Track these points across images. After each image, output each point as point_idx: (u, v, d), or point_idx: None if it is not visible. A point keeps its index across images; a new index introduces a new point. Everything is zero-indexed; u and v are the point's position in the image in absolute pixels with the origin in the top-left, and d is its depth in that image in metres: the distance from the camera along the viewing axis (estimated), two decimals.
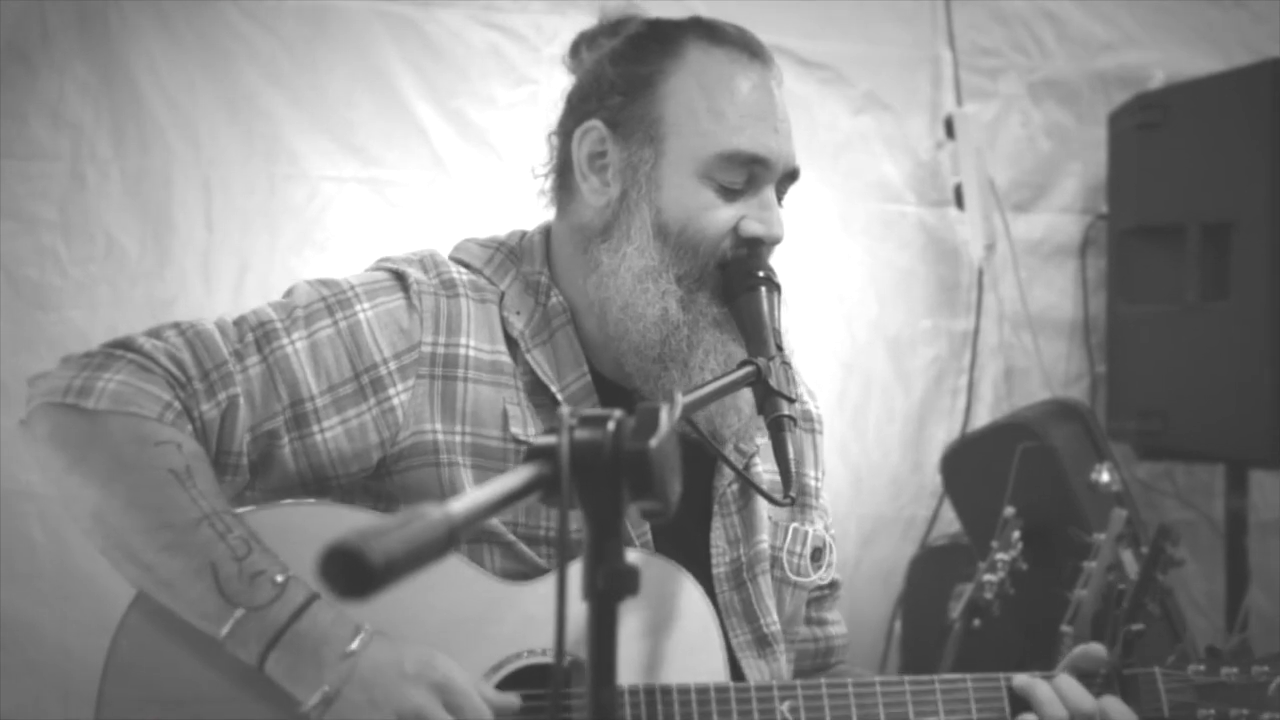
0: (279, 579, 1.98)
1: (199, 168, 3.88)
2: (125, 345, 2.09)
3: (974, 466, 4.12)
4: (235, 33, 3.89)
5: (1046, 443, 3.88)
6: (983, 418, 4.53)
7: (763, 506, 2.30)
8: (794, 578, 2.35)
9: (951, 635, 3.48)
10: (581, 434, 1.36)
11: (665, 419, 1.38)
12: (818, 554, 2.39)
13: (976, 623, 3.47)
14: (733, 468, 2.24)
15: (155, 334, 2.12)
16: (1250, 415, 4.20)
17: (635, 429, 1.37)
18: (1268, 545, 4.69)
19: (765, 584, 2.30)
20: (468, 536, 1.26)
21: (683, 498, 2.30)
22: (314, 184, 3.99)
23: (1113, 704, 2.21)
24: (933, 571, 4.26)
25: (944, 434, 4.53)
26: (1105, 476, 3.70)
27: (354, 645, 1.96)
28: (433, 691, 1.95)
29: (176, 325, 2.14)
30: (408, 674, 1.95)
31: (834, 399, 4.44)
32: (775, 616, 2.30)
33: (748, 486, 2.28)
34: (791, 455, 2.10)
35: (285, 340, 2.13)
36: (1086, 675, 2.24)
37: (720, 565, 2.26)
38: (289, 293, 2.20)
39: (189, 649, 2.01)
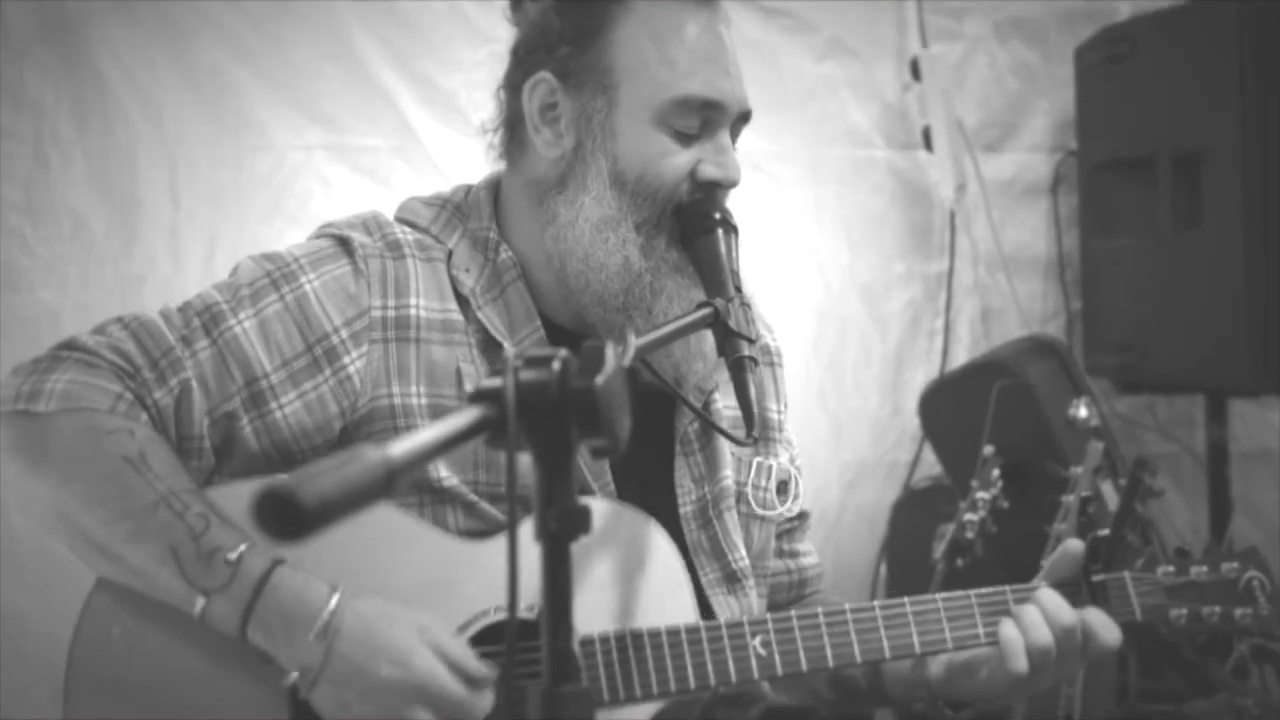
0: (232, 556, 1.96)
1: (164, 144, 3.86)
2: (70, 345, 2.09)
3: (952, 407, 4.12)
4: (196, 8, 3.86)
5: (1023, 380, 3.88)
6: (960, 359, 4.52)
7: (725, 443, 2.30)
8: (760, 511, 2.35)
9: (936, 576, 3.48)
10: (527, 375, 1.35)
11: (611, 356, 1.37)
12: (783, 487, 2.39)
13: (960, 562, 3.48)
14: (693, 410, 2.23)
15: (99, 330, 2.12)
16: (1227, 344, 4.19)
17: (581, 367, 1.36)
18: (1250, 475, 4.69)
19: (731, 520, 2.30)
20: (408, 480, 1.25)
21: (645, 439, 2.31)
22: (281, 154, 3.97)
23: (1094, 615, 2.20)
24: (915, 514, 4.27)
25: (922, 377, 4.52)
26: (1083, 412, 3.70)
27: (324, 615, 1.94)
28: (414, 699, 1.94)
29: (119, 319, 2.13)
30: (385, 680, 1.93)
31: (810, 347, 4.44)
32: (743, 552, 2.30)
33: (708, 427, 2.28)
34: (753, 395, 2.10)
35: (233, 321, 2.12)
36: (1066, 585, 2.24)
37: (686, 504, 2.25)
38: (234, 272, 2.20)
39: (156, 629, 2.00)
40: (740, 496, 2.32)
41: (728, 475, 2.29)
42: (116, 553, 1.99)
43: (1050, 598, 2.19)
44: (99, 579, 2.05)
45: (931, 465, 4.41)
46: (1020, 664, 2.15)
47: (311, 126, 3.98)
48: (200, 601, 1.96)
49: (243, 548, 1.98)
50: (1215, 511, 4.49)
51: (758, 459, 2.36)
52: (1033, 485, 3.61)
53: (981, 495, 3.55)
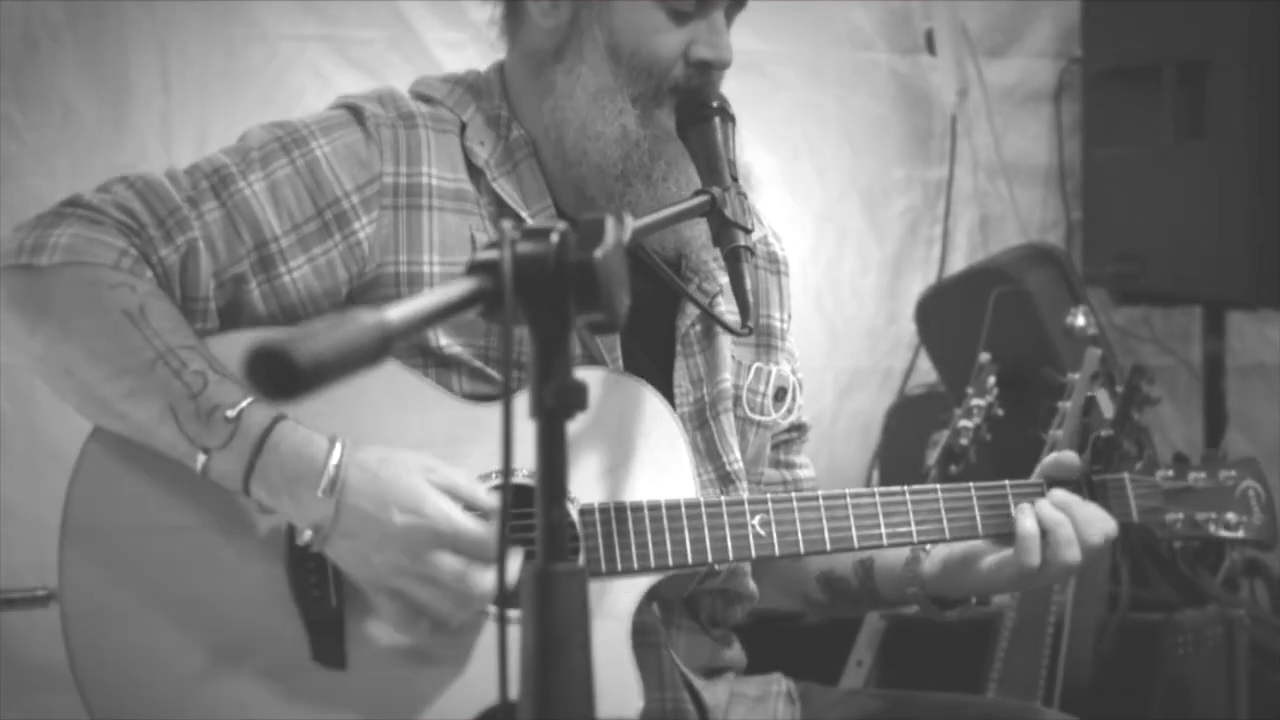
0: (231, 414, 1.94)
1: (155, 31, 3.81)
2: (74, 202, 2.06)
3: (949, 313, 4.09)
4: None
5: (1022, 287, 3.85)
6: (958, 267, 4.49)
7: (726, 346, 2.28)
8: (755, 416, 2.32)
9: (928, 482, 3.47)
10: (524, 247, 1.32)
11: (610, 229, 1.33)
12: (780, 394, 2.36)
13: (953, 469, 3.46)
14: (690, 297, 2.20)
15: (104, 188, 2.09)
16: (1228, 256, 4.17)
17: (580, 240, 1.33)
18: (1245, 389, 4.68)
19: (728, 423, 2.28)
20: (402, 344, 1.22)
21: (645, 339, 2.30)
22: (274, 45, 3.92)
23: (1092, 510, 2.19)
24: (909, 421, 4.25)
25: (919, 285, 4.49)
26: (1081, 320, 3.67)
27: (330, 469, 1.91)
28: (430, 543, 1.91)
29: (124, 179, 2.09)
30: (399, 527, 1.90)
31: (808, 252, 4.40)
32: (738, 455, 2.27)
33: (710, 327, 2.25)
34: (749, 286, 2.07)
35: (242, 183, 2.09)
36: (1064, 484, 2.23)
37: (684, 405, 2.23)
38: (242, 138, 2.16)
39: (153, 474, 1.99)
40: (737, 400, 2.30)
41: (726, 378, 2.27)
42: (118, 409, 1.97)
43: (1052, 494, 2.19)
44: (91, 433, 2.03)
45: (927, 373, 4.39)
46: (1035, 559, 2.14)
47: (306, 17, 3.93)
48: (201, 458, 1.94)
49: (243, 404, 1.95)
50: (1210, 425, 4.49)
51: (757, 364, 2.33)
52: (1029, 393, 3.59)
53: (977, 402, 3.53)
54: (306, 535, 1.94)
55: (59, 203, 2.06)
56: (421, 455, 1.97)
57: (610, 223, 1.35)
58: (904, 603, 2.32)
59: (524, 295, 1.31)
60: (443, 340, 2.09)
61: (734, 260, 2.06)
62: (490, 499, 1.96)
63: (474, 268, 1.32)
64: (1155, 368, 4.49)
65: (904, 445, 4.17)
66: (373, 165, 2.11)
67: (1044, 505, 2.17)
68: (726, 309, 2.25)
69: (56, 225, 2.02)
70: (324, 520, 1.92)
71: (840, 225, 4.49)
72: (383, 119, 2.14)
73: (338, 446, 1.94)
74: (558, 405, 1.33)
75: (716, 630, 2.29)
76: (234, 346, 2.03)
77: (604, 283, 1.32)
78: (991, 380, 3.54)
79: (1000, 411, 3.52)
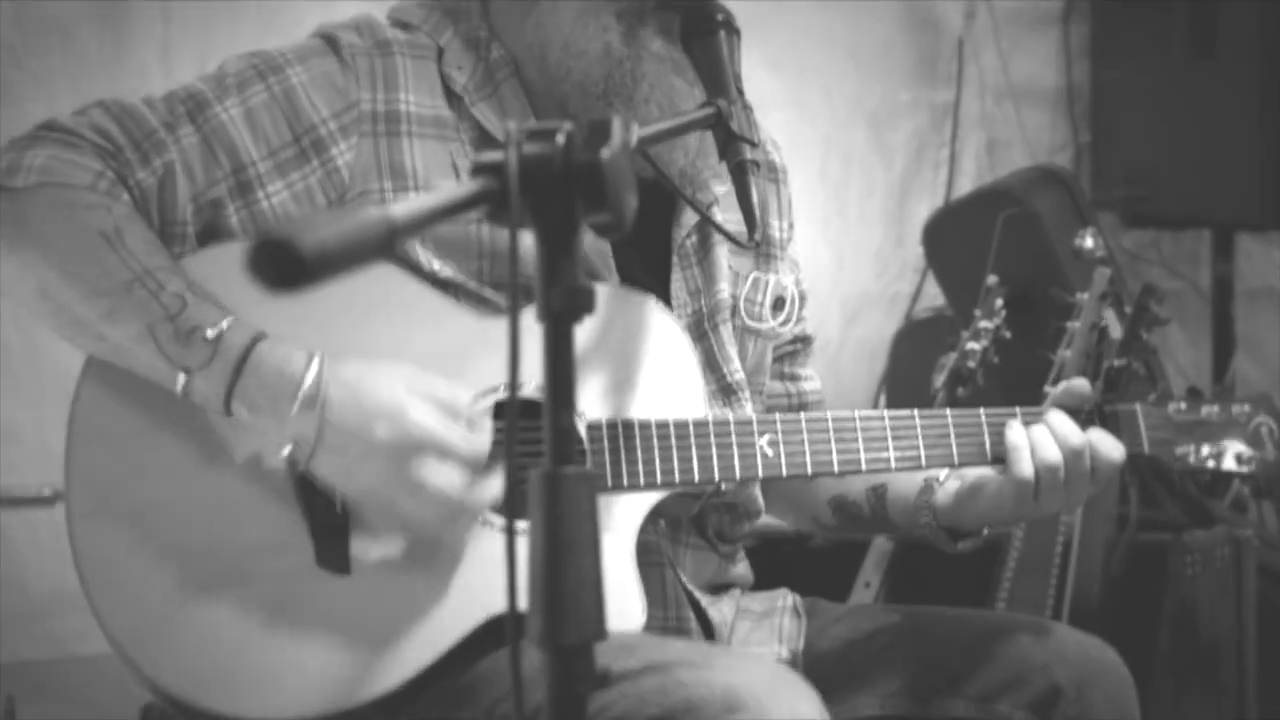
0: (211, 334, 1.92)
1: None
2: (49, 125, 2.05)
3: (956, 236, 4.07)
4: None
5: (1030, 209, 3.82)
6: (965, 191, 4.48)
7: (722, 257, 2.26)
8: (753, 325, 2.30)
9: (935, 406, 3.46)
10: (530, 148, 1.30)
11: (618, 130, 1.31)
12: (779, 303, 2.34)
13: (961, 392, 3.45)
14: (695, 207, 2.18)
15: (81, 112, 2.07)
16: (1238, 177, 4.14)
17: (587, 141, 1.31)
18: (1254, 313, 4.67)
19: (726, 333, 2.26)
20: (405, 240, 1.20)
21: (642, 251, 2.28)
22: None
23: (1100, 437, 2.16)
24: (916, 345, 4.24)
25: (926, 209, 4.47)
26: (1089, 242, 3.64)
27: (309, 386, 1.90)
28: (414, 452, 1.89)
29: (100, 103, 2.08)
30: (382, 441, 1.89)
31: (815, 176, 4.38)
32: (738, 365, 2.25)
33: (707, 239, 2.23)
34: (755, 199, 2.04)
35: (219, 108, 2.07)
36: (1071, 412, 2.20)
37: (682, 317, 2.21)
38: (219, 67, 2.14)
39: (150, 400, 1.98)
40: (735, 310, 2.28)
41: (723, 289, 2.25)
42: (96, 330, 1.96)
43: (1059, 418, 2.16)
44: (86, 362, 2.01)
45: (934, 297, 4.37)
46: (1026, 469, 2.11)
47: None
48: (181, 379, 1.93)
49: (223, 324, 1.93)
50: (1218, 349, 4.48)
51: (755, 274, 2.31)
52: (1036, 315, 3.57)
53: (984, 325, 3.51)
54: (286, 451, 1.93)
55: (35, 126, 2.04)
56: (401, 365, 1.96)
57: (617, 123, 1.33)
58: (915, 531, 2.30)
59: (530, 197, 1.29)
60: (435, 264, 2.07)
61: (740, 174, 2.04)
62: (471, 405, 1.95)
63: (479, 169, 1.30)
64: (1163, 291, 4.48)
65: (911, 369, 4.16)
66: (349, 93, 2.09)
67: (1036, 429, 2.14)
68: (724, 218, 2.23)
69: (32, 147, 2.01)
70: (306, 436, 1.91)
71: (846, 149, 4.47)
72: (358, 48, 2.12)
73: (315, 362, 1.93)
74: (565, 308, 1.31)
75: (724, 547, 2.28)
76: (212, 263, 2.01)
77: (611, 183, 1.30)
78: (999, 303, 3.52)
79: (1008, 334, 3.50)
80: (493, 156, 1.30)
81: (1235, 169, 4.15)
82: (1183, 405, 2.31)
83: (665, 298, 2.20)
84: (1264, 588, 3.49)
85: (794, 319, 2.36)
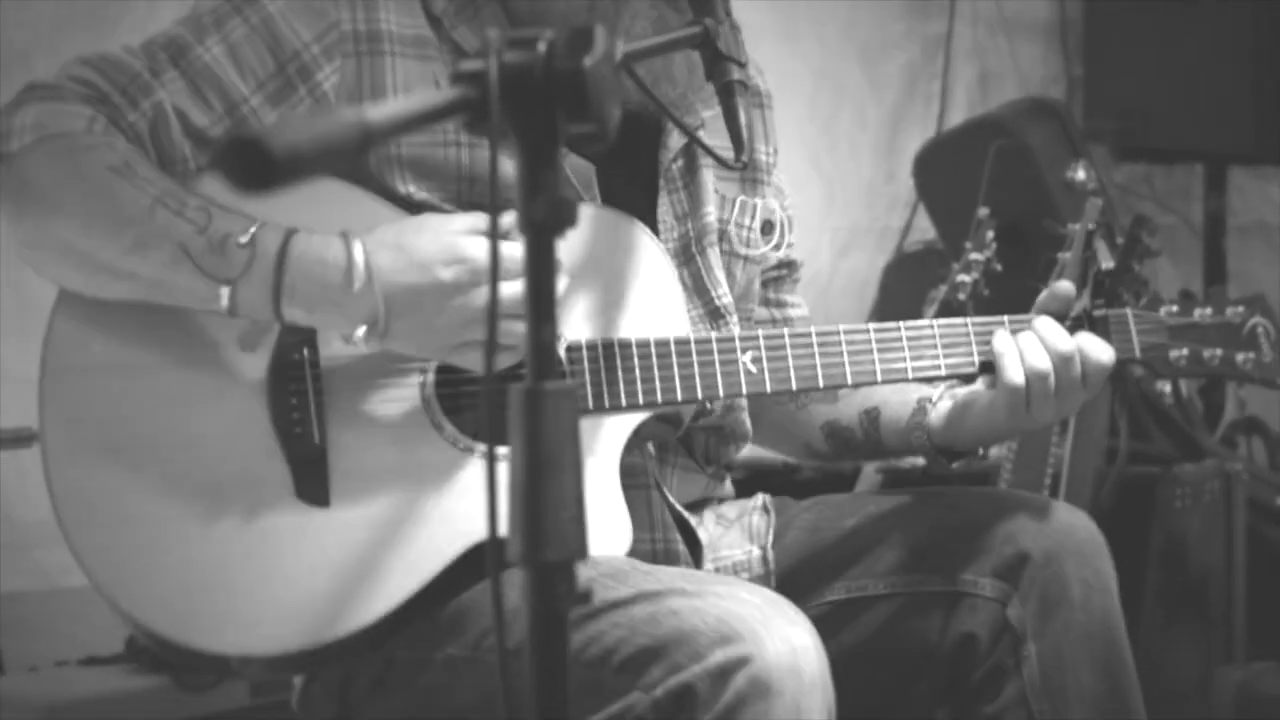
0: (244, 239, 1.88)
1: None
2: (31, 86, 2.00)
3: (947, 167, 4.05)
4: None
5: (1021, 140, 3.80)
6: (957, 124, 4.44)
7: (709, 181, 2.22)
8: (743, 250, 2.27)
9: None
10: (510, 56, 1.26)
11: (601, 38, 1.28)
12: (768, 227, 2.30)
13: None
14: (682, 127, 2.14)
15: (60, 69, 2.03)
16: (1230, 111, 4.12)
17: (569, 49, 1.27)
18: (1246, 248, 4.66)
19: (714, 257, 2.22)
20: (380, 144, 1.17)
21: (627, 174, 2.22)
22: None
23: (1089, 340, 2.12)
24: (907, 277, 4.22)
25: (917, 142, 4.44)
26: (1081, 174, 3.62)
27: (355, 267, 1.86)
28: (483, 280, 1.87)
29: (79, 58, 2.03)
30: (448, 283, 1.86)
31: (805, 108, 4.34)
32: (726, 289, 2.22)
33: (693, 161, 2.20)
34: (743, 120, 2.01)
35: (200, 50, 2.02)
36: (1059, 318, 2.16)
37: (669, 241, 2.18)
38: (192, 7, 2.10)
39: (130, 315, 1.94)
40: (723, 234, 2.25)
41: (710, 212, 2.22)
42: (129, 268, 1.91)
43: (1046, 324, 2.12)
44: (58, 298, 1.96)
45: (924, 231, 4.35)
46: (1016, 376, 2.07)
47: None
48: (225, 292, 1.88)
49: (253, 229, 1.89)
50: (1209, 284, 4.46)
51: (741, 198, 2.28)
52: (1027, 246, 3.55)
53: (975, 257, 3.49)
54: (360, 333, 1.89)
55: (17, 92, 2.00)
56: (425, 216, 1.94)
57: (600, 32, 1.29)
58: (909, 453, 2.27)
59: (510, 105, 1.26)
60: (410, 187, 2.04)
61: (727, 95, 2.00)
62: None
63: (458, 77, 1.27)
64: (1156, 223, 4.46)
65: (901, 302, 4.13)
66: (328, 14, 2.05)
67: (1024, 336, 2.09)
68: (711, 144, 2.20)
69: (18, 110, 1.96)
70: (374, 311, 1.88)
71: (837, 81, 4.43)
72: None
73: (355, 241, 1.89)
74: (546, 220, 1.28)
75: (710, 469, 2.26)
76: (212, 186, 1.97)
77: (594, 92, 1.27)
78: (990, 235, 3.50)
79: (999, 266, 3.48)
80: (473, 64, 1.27)
81: (1228, 102, 4.12)
82: (1174, 308, 2.25)
83: (652, 221, 2.18)
84: (1253, 521, 3.48)
85: (784, 244, 2.33)
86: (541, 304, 1.29)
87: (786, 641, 1.78)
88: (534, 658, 1.29)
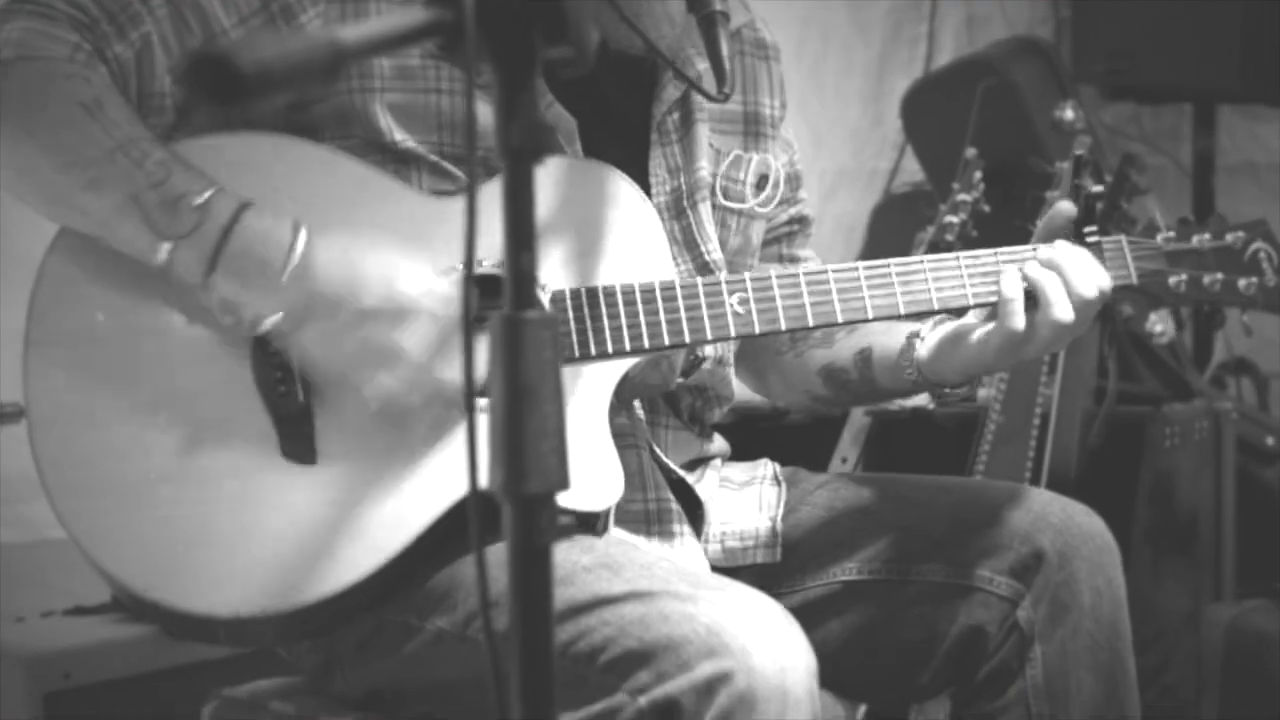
0: (198, 201, 1.86)
1: None
2: None
3: (935, 108, 4.02)
4: None
5: (1009, 79, 3.78)
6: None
7: (703, 135, 2.19)
8: (732, 205, 2.24)
9: None
10: None
11: None
12: (761, 182, 2.27)
13: None
14: (672, 66, 2.12)
15: None
16: (1219, 49, 4.09)
17: None
18: (1235, 189, 4.64)
19: (705, 212, 2.19)
20: (353, 64, 1.14)
21: (620, 127, 2.17)
22: None
23: (1082, 260, 2.08)
24: (895, 220, 4.20)
25: (904, 85, 4.41)
26: (1069, 113, 3.59)
27: (296, 253, 1.85)
28: (398, 321, 1.86)
29: None
30: (368, 309, 1.86)
31: (791, 54, 4.26)
32: (716, 244, 2.19)
33: (688, 115, 2.17)
34: (725, 51, 1.98)
35: None
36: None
37: (661, 195, 2.15)
38: None
39: (112, 280, 1.92)
40: (714, 189, 2.22)
41: (703, 166, 2.19)
42: (78, 203, 1.89)
43: (1049, 251, 2.08)
44: (51, 244, 1.95)
45: (912, 173, 4.33)
46: (1018, 320, 2.05)
47: None
48: (165, 248, 1.86)
49: (209, 193, 1.88)
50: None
51: (736, 152, 2.25)
52: (1015, 187, 3.52)
53: (963, 198, 3.47)
54: (271, 321, 1.88)
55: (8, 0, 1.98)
56: (386, 237, 1.91)
57: None
58: (903, 391, 2.24)
59: (486, 28, 1.23)
60: (397, 135, 2.02)
61: (709, 25, 1.98)
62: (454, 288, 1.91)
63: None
64: (1144, 160, 4.43)
65: (889, 244, 4.11)
66: None
67: (1031, 264, 2.06)
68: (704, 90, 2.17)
69: (6, 20, 1.94)
70: (293, 304, 1.86)
71: (824, 25, 4.39)
72: None
73: (303, 231, 1.88)
74: (524, 146, 1.25)
75: (695, 427, 2.24)
76: (194, 152, 1.95)
77: (572, 14, 1.24)
78: (978, 175, 3.47)
79: (986, 207, 3.46)
80: None
81: (1216, 41, 4.09)
82: (1172, 234, 2.18)
83: (644, 175, 2.15)
84: (1242, 461, 3.48)
85: (775, 199, 2.30)
86: (520, 232, 1.27)
87: (776, 659, 1.74)
88: (516, 596, 1.27)
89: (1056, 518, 2.13)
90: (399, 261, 1.90)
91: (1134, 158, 3.14)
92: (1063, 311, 2.04)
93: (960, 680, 2.14)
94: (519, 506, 1.26)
